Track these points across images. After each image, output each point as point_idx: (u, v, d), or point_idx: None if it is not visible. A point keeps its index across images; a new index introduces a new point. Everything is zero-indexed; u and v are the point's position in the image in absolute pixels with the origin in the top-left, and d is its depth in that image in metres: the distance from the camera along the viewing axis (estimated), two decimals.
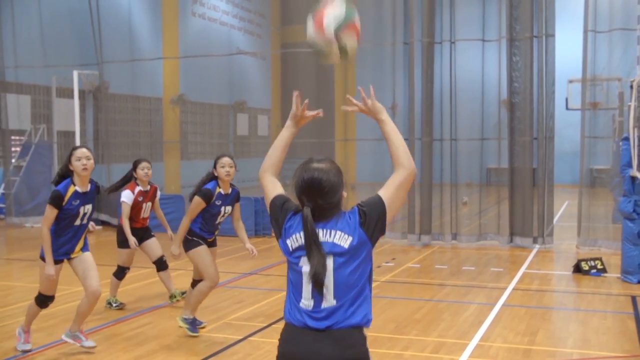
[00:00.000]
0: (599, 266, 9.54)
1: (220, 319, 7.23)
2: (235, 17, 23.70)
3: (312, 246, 2.75)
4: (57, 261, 5.73)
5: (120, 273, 7.65)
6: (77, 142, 14.56)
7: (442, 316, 7.41)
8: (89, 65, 15.81)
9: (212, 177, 6.51)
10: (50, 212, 5.62)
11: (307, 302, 2.80)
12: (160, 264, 7.74)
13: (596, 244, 11.61)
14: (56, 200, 5.61)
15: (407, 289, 8.90)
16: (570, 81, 18.03)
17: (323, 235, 2.80)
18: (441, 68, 13.03)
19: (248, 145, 24.08)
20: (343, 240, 2.79)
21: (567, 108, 19.08)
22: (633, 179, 8.95)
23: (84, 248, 5.94)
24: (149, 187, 7.69)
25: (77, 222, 5.80)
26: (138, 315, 7.44)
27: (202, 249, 6.52)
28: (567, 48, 15.45)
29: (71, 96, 15.37)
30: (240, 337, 6.51)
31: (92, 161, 5.76)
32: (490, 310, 7.56)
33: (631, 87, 9.43)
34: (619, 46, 11.99)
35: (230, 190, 6.60)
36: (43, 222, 5.66)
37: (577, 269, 9.63)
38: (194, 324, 6.53)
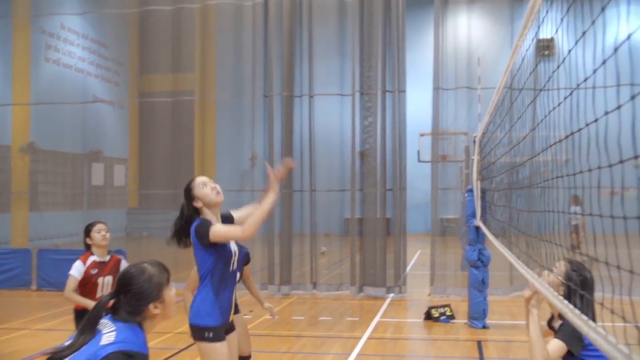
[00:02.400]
0: (448, 313, 9.94)
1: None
2: (92, 64, 23.08)
3: None
4: None
5: None
6: None
7: None
8: None
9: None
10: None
11: None
12: None
13: (446, 291, 12.11)
14: None
15: (264, 342, 8.82)
16: (422, 135, 18.94)
17: None
18: (300, 121, 13.31)
19: (103, 196, 23.25)
20: None
21: (419, 160, 19.99)
22: (477, 228, 9.46)
23: None
24: (108, 256, 6.19)
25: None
26: None
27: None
28: (419, 103, 16.28)
29: None
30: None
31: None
32: None
33: (474, 142, 10.04)
34: (464, 103, 12.80)
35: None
36: None
37: (428, 316, 9.98)
38: None
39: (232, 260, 4.60)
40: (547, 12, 3.63)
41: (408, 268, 13.88)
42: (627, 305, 2.37)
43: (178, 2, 14.54)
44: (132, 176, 22.91)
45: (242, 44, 14.13)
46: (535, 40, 3.90)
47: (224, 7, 14.26)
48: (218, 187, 4.70)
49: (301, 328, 9.67)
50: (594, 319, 3.60)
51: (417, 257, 17.71)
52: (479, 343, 8.53)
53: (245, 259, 5.89)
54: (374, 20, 12.84)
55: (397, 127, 12.69)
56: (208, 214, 4.64)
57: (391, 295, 12.19)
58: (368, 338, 8.88)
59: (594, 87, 2.80)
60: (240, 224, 4.47)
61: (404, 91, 12.76)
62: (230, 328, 4.59)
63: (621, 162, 2.24)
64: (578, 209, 13.54)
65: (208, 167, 16.93)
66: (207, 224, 4.41)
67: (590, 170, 2.75)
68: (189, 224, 4.61)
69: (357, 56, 12.91)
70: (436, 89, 12.72)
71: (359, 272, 12.49)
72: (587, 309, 3.53)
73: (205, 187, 4.64)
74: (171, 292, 2.98)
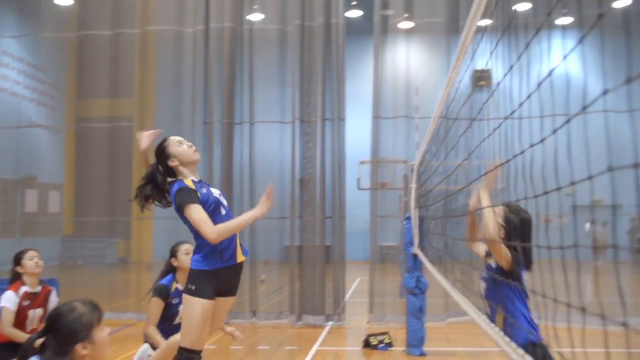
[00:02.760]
0: (386, 340, 9.98)
1: None
2: (27, 88, 22.59)
3: None
4: None
5: None
6: None
7: None
8: None
9: (170, 269, 5.43)
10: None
11: None
12: None
13: (385, 318, 12.16)
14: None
15: None
16: (362, 162, 19.17)
17: None
18: (241, 148, 13.28)
19: (37, 223, 22.59)
20: None
21: (358, 188, 20.18)
22: (415, 256, 9.56)
23: None
24: (39, 287, 5.89)
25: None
26: None
27: None
28: (359, 131, 16.45)
29: None
30: None
31: None
32: None
33: (412, 170, 10.19)
34: (403, 132, 13.00)
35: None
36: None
37: (367, 343, 9.99)
38: None
39: (220, 205, 4.57)
40: (478, 45, 3.73)
41: (347, 296, 13.90)
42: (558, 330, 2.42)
43: (118, 26, 14.41)
44: (68, 203, 22.37)
45: (182, 70, 14.06)
46: (472, 71, 4.01)
47: (165, 33, 14.19)
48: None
49: (239, 358, 9.54)
50: (530, 262, 3.69)
51: (356, 284, 17.74)
52: None
53: None
54: (314, 48, 12.97)
55: (336, 155, 12.78)
56: (184, 173, 4.53)
57: (330, 323, 12.17)
58: None
59: (520, 118, 2.89)
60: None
61: (343, 119, 12.89)
62: (231, 289, 4.54)
63: (545, 193, 2.30)
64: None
65: None
66: (187, 197, 4.37)
67: (518, 200, 2.82)
68: (163, 185, 4.45)
69: (297, 84, 13.00)
70: (375, 117, 12.91)
71: (298, 300, 12.43)
72: (528, 252, 3.64)
73: (182, 145, 4.53)
74: (103, 333, 2.89)
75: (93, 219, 15.35)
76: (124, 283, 15.33)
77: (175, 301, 5.23)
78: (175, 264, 5.35)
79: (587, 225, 22.18)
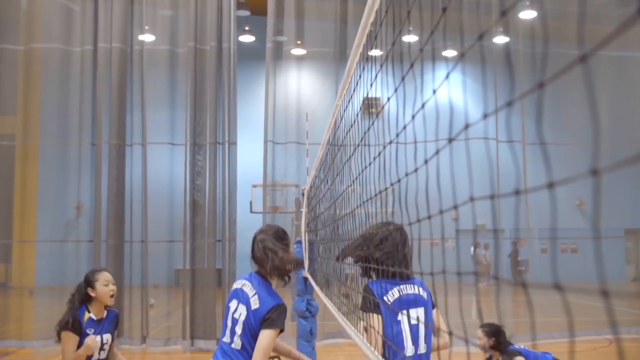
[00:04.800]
0: None
1: None
2: None
3: None
4: None
5: None
6: None
7: None
8: None
9: (84, 299, 5.02)
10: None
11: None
12: None
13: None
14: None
15: None
16: (254, 186, 19.16)
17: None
18: (131, 169, 13.00)
19: None
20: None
21: (251, 211, 20.14)
22: (305, 279, 9.65)
23: None
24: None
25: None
26: None
27: None
28: (252, 155, 16.49)
29: None
30: None
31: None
32: None
33: (303, 194, 10.32)
34: (295, 156, 13.15)
35: (105, 314, 5.12)
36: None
37: None
38: None
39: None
40: (360, 74, 3.88)
41: None
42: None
43: None
44: None
45: (69, 90, 13.64)
46: (362, 99, 4.14)
47: (50, 52, 13.74)
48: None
49: None
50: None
51: None
52: None
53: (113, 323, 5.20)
54: (206, 71, 12.95)
55: (227, 178, 12.77)
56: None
57: None
58: None
59: (405, 143, 3.03)
60: None
61: (234, 143, 12.90)
62: None
63: (429, 217, 2.42)
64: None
65: (28, 217, 15.99)
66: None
67: (407, 224, 2.93)
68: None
69: (189, 107, 12.90)
70: (267, 142, 13.00)
71: (189, 325, 12.25)
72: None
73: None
74: None
75: None
76: (4, 308, 14.57)
77: (90, 331, 4.89)
78: (92, 294, 5.00)
79: (472, 249, 23.07)
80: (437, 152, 2.33)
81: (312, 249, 9.79)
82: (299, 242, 10.04)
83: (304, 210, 10.05)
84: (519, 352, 6.35)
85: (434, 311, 3.84)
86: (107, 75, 13.07)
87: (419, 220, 2.71)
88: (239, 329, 3.78)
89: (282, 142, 13.14)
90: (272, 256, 3.88)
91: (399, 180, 3.02)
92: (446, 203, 2.24)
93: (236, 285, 4.02)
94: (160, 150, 13.20)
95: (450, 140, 2.10)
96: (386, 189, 3.38)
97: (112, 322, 5.10)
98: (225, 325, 3.88)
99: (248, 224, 18.04)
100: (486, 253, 23.58)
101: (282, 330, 3.84)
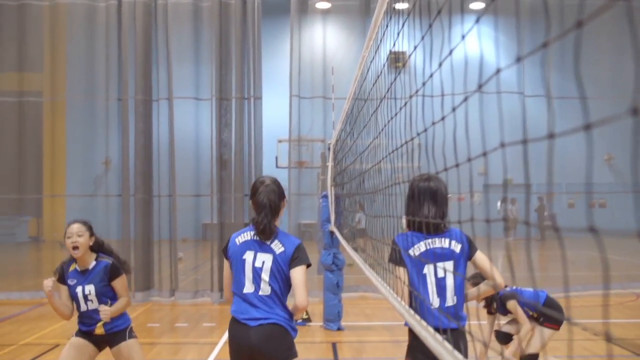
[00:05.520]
0: (304, 316, 10.13)
1: None
2: None
3: None
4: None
5: None
6: None
7: None
8: None
9: None
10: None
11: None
12: None
13: None
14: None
15: None
16: (280, 141, 19.17)
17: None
18: (158, 125, 13.06)
19: None
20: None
21: (276, 166, 20.19)
22: (331, 233, 9.71)
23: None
24: None
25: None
26: None
27: (68, 343, 5.12)
28: (277, 110, 16.45)
29: None
30: None
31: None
32: None
33: (329, 148, 10.31)
34: (321, 111, 13.10)
35: (92, 265, 5.11)
36: None
37: None
38: None
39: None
40: (387, 26, 3.82)
41: None
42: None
43: None
44: None
45: (94, 45, 13.66)
46: (388, 53, 4.09)
47: (75, 7, 13.72)
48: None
49: (156, 335, 9.49)
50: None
51: None
52: (334, 345, 8.75)
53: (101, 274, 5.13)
54: (230, 26, 12.87)
55: (253, 133, 12.78)
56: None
57: None
58: (225, 343, 8.86)
59: (424, 96, 3.00)
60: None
61: (260, 98, 12.88)
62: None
63: (456, 165, 2.40)
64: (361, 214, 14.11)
65: (58, 172, 16.20)
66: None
67: (437, 172, 2.91)
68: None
69: (214, 61, 12.87)
70: (292, 96, 12.95)
71: (217, 277, 12.43)
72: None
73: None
74: None
75: (1, 197, 14.81)
76: (36, 262, 14.91)
77: (72, 282, 5.03)
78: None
79: (499, 204, 22.96)
80: (465, 99, 2.29)
81: (338, 203, 9.83)
82: (325, 196, 10.08)
83: (329, 164, 10.06)
84: (513, 295, 6.23)
85: (479, 255, 3.82)
86: (132, 30, 13.05)
87: (445, 169, 2.68)
88: (265, 276, 3.90)
89: (308, 97, 13.09)
90: (285, 202, 4.21)
91: (425, 130, 2.99)
92: (474, 156, 2.21)
93: (240, 239, 4.09)
94: (186, 105, 13.22)
95: (479, 87, 2.06)
96: (412, 139, 3.36)
97: (99, 273, 5.05)
98: (243, 277, 3.95)
99: None
100: (513, 208, 23.47)
101: (309, 265, 4.03)
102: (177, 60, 13.18)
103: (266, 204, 4.04)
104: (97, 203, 13.82)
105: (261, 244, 4.03)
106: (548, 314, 6.13)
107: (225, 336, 9.32)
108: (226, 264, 4.09)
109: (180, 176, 12.98)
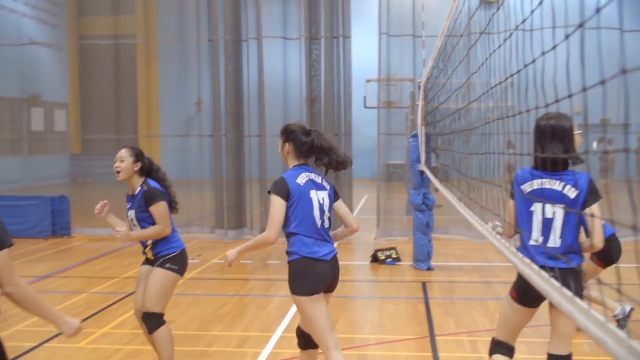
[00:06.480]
0: (394, 255, 10.17)
1: (12, 325, 6.77)
2: (26, 5, 22.15)
3: None
4: None
5: None
6: None
7: (247, 310, 7.51)
8: None
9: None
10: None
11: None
12: None
13: (392, 234, 12.35)
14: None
15: (212, 285, 8.91)
16: (368, 81, 19.00)
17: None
18: (248, 65, 13.13)
19: (44, 141, 22.68)
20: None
21: (365, 106, 20.09)
22: (421, 173, 9.62)
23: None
24: None
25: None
26: None
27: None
28: (365, 49, 16.23)
29: None
30: (35, 344, 6.15)
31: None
32: (292, 301, 7.75)
33: (419, 87, 10.13)
34: (410, 49, 12.83)
35: (137, 190, 5.13)
36: None
37: (375, 258, 10.19)
38: None
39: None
40: None
41: (355, 213, 14.07)
42: None
43: None
44: (74, 121, 22.36)
45: None
46: None
47: None
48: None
49: (249, 271, 9.76)
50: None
51: (363, 202, 17.93)
52: (424, 284, 8.77)
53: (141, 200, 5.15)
54: None
55: (342, 73, 12.68)
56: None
57: None
58: None
59: (524, 30, 2.86)
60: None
61: (349, 37, 12.72)
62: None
63: (557, 101, 2.30)
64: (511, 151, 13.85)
65: (152, 112, 16.67)
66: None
67: (528, 110, 2.81)
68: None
69: (302, 0, 12.75)
70: (381, 34, 12.71)
71: None
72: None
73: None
74: None
75: (99, 137, 15.39)
76: None
77: (127, 205, 5.20)
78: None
79: (595, 144, 22.13)
80: (566, 38, 2.19)
81: (428, 142, 9.71)
82: (415, 135, 9.96)
83: (420, 103, 9.90)
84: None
85: (594, 209, 3.75)
86: None
87: (537, 108, 2.57)
88: (327, 211, 4.28)
89: (397, 35, 12.81)
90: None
91: (525, 66, 2.87)
92: (573, 93, 2.11)
93: (302, 179, 4.27)
94: (275, 44, 13.21)
95: (581, 24, 1.95)
96: (511, 75, 3.24)
97: (139, 200, 5.07)
98: (312, 215, 4.20)
99: (362, 119, 18.08)
100: (610, 148, 22.60)
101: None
102: (265, 0, 13.14)
103: (330, 147, 4.34)
104: (190, 143, 14.17)
105: (318, 183, 4.31)
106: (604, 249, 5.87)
107: None
108: (283, 204, 4.16)
109: (270, 116, 13.07)
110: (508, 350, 4.07)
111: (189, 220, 13.31)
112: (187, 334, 6.50)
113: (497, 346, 4.10)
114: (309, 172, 4.33)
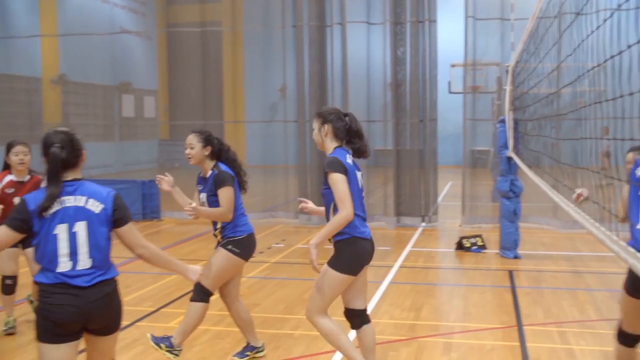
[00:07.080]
0: (479, 243, 10.00)
1: None
2: None
3: None
4: None
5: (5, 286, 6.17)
6: None
7: None
8: None
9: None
10: None
11: None
12: None
13: (477, 221, 12.15)
14: None
15: (296, 270, 9.00)
16: (453, 65, 18.68)
17: None
18: (332, 51, 13.13)
19: (134, 127, 23.45)
20: None
21: (450, 91, 19.79)
22: (509, 159, 9.40)
23: None
24: (27, 177, 6.06)
25: None
26: None
27: None
28: (450, 34, 15.94)
29: None
30: (128, 323, 6.38)
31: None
32: (377, 287, 7.76)
33: (507, 72, 9.88)
34: (497, 33, 12.50)
35: (209, 174, 5.15)
36: None
37: (460, 246, 10.05)
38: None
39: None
40: None
41: (439, 199, 13.91)
42: None
43: None
44: (163, 107, 23.02)
45: None
46: None
47: None
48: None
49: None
50: None
51: (448, 188, 17.70)
52: (510, 272, 8.59)
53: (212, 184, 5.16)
54: None
55: (427, 58, 12.50)
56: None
57: (423, 225, 12.27)
58: (400, 267, 9.01)
59: (637, 8, 2.73)
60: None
61: (434, 21, 12.51)
62: None
63: None
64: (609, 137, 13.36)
65: (237, 98, 16.92)
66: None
67: (631, 94, 2.70)
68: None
69: None
70: (468, 18, 12.44)
71: (392, 203, 12.52)
72: None
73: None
74: None
75: (187, 123, 15.74)
76: None
77: (198, 188, 5.25)
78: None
79: None
80: None
81: (516, 128, 9.47)
82: (502, 121, 9.73)
83: (508, 87, 9.66)
84: None
85: None
86: None
87: (631, 94, 2.46)
88: (364, 190, 4.49)
89: (484, 18, 12.49)
90: None
91: (629, 47, 2.74)
92: None
93: (350, 159, 4.41)
94: (358, 29, 13.14)
95: None
96: (612, 57, 3.11)
97: (210, 183, 5.12)
98: (360, 194, 4.40)
99: (447, 104, 17.79)
100: None
101: None
102: None
103: (362, 132, 4.50)
104: (274, 129, 14.31)
105: (357, 165, 4.50)
106: None
107: (401, 260, 9.47)
108: (345, 180, 4.27)
109: (353, 102, 13.04)
110: (632, 340, 4.04)
111: (274, 205, 13.50)
112: (272, 316, 6.60)
113: (621, 336, 4.08)
114: (349, 153, 4.43)
